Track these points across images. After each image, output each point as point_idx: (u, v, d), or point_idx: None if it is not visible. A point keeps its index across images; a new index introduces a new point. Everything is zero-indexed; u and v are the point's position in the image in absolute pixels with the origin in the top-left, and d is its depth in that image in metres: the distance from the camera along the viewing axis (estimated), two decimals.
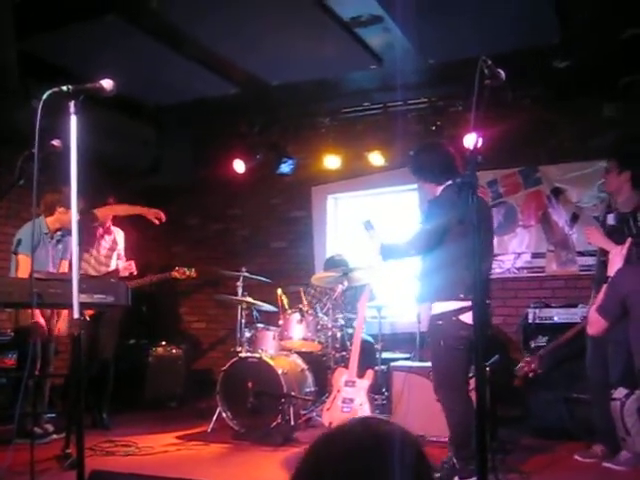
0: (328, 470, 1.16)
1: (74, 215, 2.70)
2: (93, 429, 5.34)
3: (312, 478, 1.18)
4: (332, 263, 6.39)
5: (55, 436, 4.99)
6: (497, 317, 6.25)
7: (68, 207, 4.95)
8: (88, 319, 5.42)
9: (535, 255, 6.47)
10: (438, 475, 4.01)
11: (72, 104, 2.63)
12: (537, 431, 5.15)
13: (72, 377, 2.76)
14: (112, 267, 5.84)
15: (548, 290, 6.32)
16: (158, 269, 7.51)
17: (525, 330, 5.44)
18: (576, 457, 4.50)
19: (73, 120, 2.63)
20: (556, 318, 5.33)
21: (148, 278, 6.03)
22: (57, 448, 4.31)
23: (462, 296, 3.75)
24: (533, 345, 5.24)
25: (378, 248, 4.17)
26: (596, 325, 3.96)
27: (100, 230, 5.84)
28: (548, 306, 5.49)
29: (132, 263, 5.89)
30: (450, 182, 3.97)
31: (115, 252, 5.92)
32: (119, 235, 6.02)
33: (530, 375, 4.85)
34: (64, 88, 2.62)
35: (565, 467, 4.37)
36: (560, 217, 6.35)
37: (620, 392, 2.74)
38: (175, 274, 6.18)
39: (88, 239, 5.66)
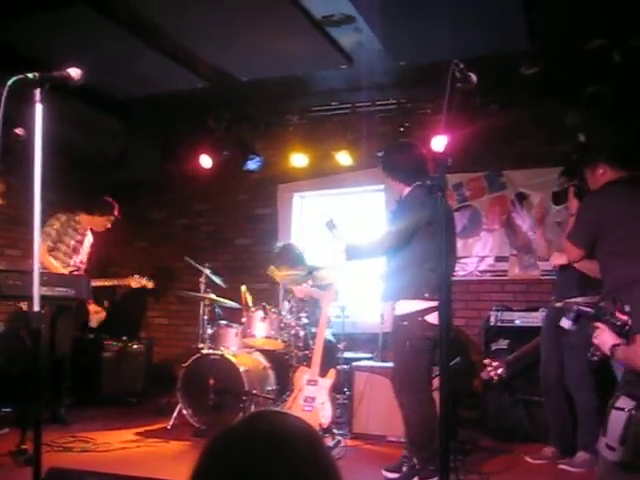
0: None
1: (37, 207, 2.61)
2: (50, 424, 5.24)
3: None
4: (283, 253, 6.14)
5: (7, 429, 4.89)
6: (459, 319, 6.31)
7: None
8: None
9: (498, 259, 6.55)
10: (397, 476, 4.03)
11: (37, 92, 2.56)
12: (495, 433, 5.22)
13: (31, 371, 2.69)
14: (75, 262, 5.76)
15: (510, 294, 6.40)
16: (120, 264, 7.45)
17: (487, 333, 5.50)
18: (527, 459, 4.56)
19: (38, 109, 2.56)
20: (517, 321, 5.40)
21: (105, 281, 5.98)
22: (11, 443, 4.21)
23: (427, 295, 3.77)
24: (494, 348, 5.30)
25: (342, 248, 4.17)
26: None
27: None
28: (510, 309, 5.56)
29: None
30: (419, 183, 3.99)
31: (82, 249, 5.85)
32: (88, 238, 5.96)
33: (495, 379, 4.89)
34: (30, 75, 2.55)
35: (523, 469, 4.43)
36: (524, 222, 6.43)
37: (626, 402, 2.59)
38: (131, 281, 6.11)
39: None
